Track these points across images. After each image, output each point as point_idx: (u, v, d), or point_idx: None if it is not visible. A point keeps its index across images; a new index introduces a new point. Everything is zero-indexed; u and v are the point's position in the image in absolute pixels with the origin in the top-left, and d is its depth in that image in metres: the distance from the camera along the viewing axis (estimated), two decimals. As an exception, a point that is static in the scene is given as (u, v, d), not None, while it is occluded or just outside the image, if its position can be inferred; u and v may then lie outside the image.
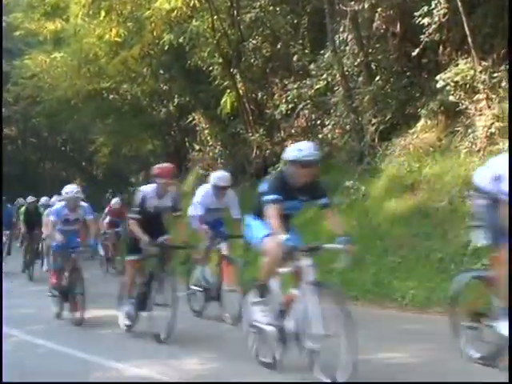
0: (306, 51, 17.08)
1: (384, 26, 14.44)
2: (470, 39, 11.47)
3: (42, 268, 16.55)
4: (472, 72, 11.37)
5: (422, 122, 12.72)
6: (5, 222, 17.66)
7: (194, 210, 9.82)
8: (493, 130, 10.84)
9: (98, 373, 6.76)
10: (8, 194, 27.53)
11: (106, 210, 17.62)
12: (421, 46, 12.64)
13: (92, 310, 10.48)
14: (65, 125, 33.69)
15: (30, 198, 17.63)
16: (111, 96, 26.10)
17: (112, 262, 17.03)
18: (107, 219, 17.23)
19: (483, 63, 11.35)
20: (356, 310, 9.45)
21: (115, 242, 16.94)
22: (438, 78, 11.81)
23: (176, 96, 24.34)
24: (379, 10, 14.21)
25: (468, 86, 11.42)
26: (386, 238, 11.21)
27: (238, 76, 18.74)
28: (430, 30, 12.09)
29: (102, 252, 16.92)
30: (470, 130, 11.40)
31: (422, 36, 12.33)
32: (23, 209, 17.94)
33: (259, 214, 6.22)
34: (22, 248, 17.93)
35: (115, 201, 17.54)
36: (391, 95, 13.87)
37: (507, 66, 10.84)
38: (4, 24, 29.96)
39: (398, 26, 13.98)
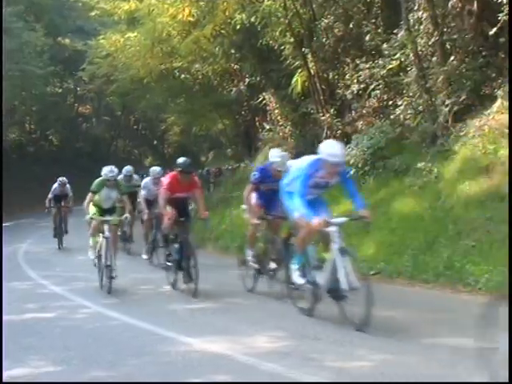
0: (379, 30, 16.82)
1: (460, 4, 14.07)
2: (550, 17, 11.11)
3: None
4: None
5: (498, 103, 12.37)
6: None
7: None
8: None
9: (168, 347, 6.91)
10: (78, 170, 28.28)
11: None
12: (498, 25, 12.30)
13: (164, 286, 10.75)
14: (137, 104, 34.41)
15: None
16: (183, 75, 26.41)
17: None
18: None
19: None
20: (427, 293, 9.48)
21: None
22: (515, 57, 11.48)
23: (247, 75, 24.42)
24: (456, -13, 13.87)
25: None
26: (460, 221, 10.98)
27: (309, 55, 18.64)
28: (509, 8, 11.74)
29: None
30: (548, 112, 11.05)
31: (500, 14, 12.00)
32: None
33: None
34: None
35: None
36: (466, 75, 13.54)
37: None
38: (80, 4, 30.69)
39: (475, 4, 13.60)
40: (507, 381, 4.79)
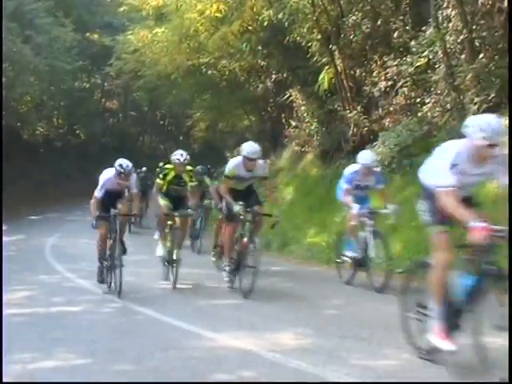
0: (407, 27, 16.69)
1: (490, 2, 13.94)
2: None
3: None
4: None
5: (527, 101, 12.24)
6: None
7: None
8: None
9: (194, 342, 6.96)
10: (105, 166, 28.49)
11: None
12: (529, 23, 12.15)
13: (190, 282, 10.81)
14: (164, 99, 34.59)
15: None
16: (210, 71, 26.39)
17: None
18: None
19: None
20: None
21: None
22: (546, 55, 11.35)
23: (274, 72, 24.40)
24: (486, -16, 13.74)
25: None
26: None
27: (336, 52, 18.56)
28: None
29: None
30: None
31: (531, 12, 11.85)
32: None
33: None
34: None
35: None
36: (495, 73, 13.40)
37: None
38: (108, 0, 30.90)
39: (506, 1, 13.46)
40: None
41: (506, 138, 5.56)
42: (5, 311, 8.07)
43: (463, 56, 14.27)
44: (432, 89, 15.08)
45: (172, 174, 10.85)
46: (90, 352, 6.55)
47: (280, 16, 18.28)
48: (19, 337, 7.09)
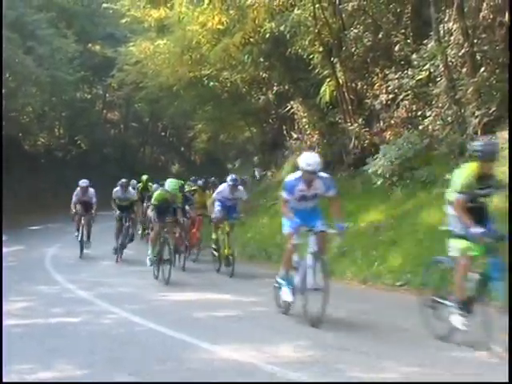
0: (408, 41, 16.78)
1: (491, 16, 14.00)
2: None
3: None
4: None
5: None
6: None
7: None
8: None
9: (192, 354, 6.92)
10: (106, 176, 28.54)
11: None
12: (530, 37, 12.18)
13: (189, 293, 10.79)
14: (166, 111, 34.68)
15: None
16: (211, 83, 26.47)
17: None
18: None
19: None
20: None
21: None
22: (547, 69, 11.36)
23: (275, 84, 24.46)
24: (487, -2, 13.80)
25: None
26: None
27: (338, 65, 18.62)
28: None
29: None
30: None
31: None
32: None
33: None
34: None
35: None
36: (496, 87, 13.43)
37: None
38: (111, 11, 31.02)
39: (507, 16, 13.51)
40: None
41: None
42: (4, 322, 8.04)
43: (464, 70, 14.31)
44: (433, 102, 15.11)
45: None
46: (88, 363, 6.52)
47: (282, 28, 18.33)
48: (18, 347, 7.07)
